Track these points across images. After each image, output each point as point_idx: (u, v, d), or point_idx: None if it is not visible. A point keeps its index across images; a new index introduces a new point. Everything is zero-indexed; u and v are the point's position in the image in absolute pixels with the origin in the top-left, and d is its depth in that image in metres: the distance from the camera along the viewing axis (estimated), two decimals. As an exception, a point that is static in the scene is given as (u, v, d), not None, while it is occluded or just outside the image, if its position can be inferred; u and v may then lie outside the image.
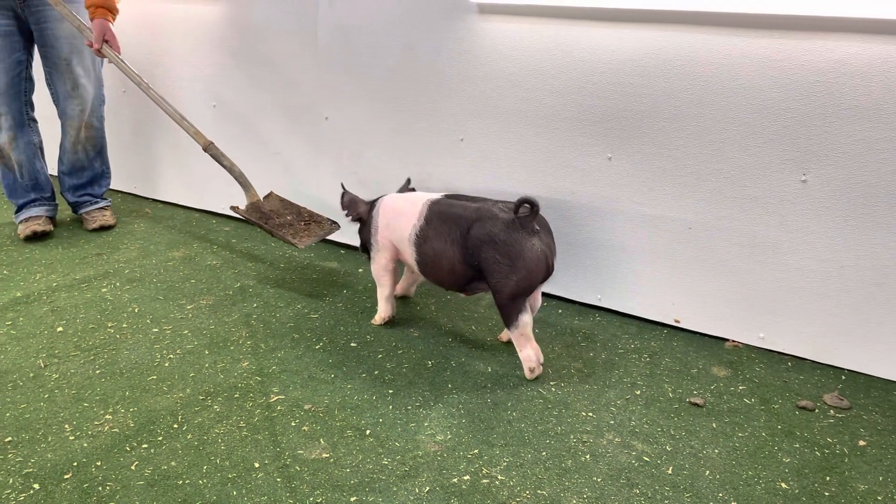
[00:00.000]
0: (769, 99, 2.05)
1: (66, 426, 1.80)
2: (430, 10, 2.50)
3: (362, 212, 2.35)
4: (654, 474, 1.69)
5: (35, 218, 3.08)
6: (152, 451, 1.72)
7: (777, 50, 2.01)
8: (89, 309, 2.42)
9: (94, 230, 3.17)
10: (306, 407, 1.91)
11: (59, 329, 2.28)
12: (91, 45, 2.77)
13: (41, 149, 3.15)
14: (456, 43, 2.49)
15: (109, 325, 2.32)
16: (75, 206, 3.27)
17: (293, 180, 3.05)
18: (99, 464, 1.67)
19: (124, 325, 2.31)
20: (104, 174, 3.31)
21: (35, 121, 3.11)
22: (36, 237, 3.03)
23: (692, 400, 1.98)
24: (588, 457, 1.74)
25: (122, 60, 2.80)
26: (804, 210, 2.08)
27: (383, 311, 2.36)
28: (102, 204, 3.28)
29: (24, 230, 3.01)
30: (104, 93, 3.18)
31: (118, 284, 2.61)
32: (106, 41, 2.79)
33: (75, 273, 2.70)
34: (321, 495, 1.59)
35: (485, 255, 1.99)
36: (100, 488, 1.59)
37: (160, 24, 3.24)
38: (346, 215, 2.39)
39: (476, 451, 1.75)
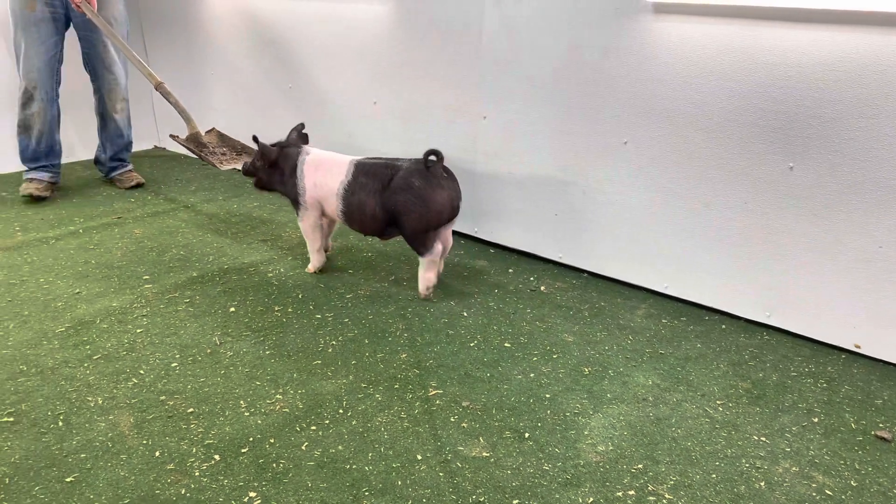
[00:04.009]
0: None
1: (242, 402, 1.91)
2: (601, 9, 2.44)
3: (273, 156, 2.64)
4: (840, 511, 1.56)
5: (38, 181, 3.51)
6: (320, 433, 1.78)
7: None
8: (258, 292, 2.55)
9: (131, 188, 3.71)
10: (464, 404, 1.92)
11: (232, 309, 2.42)
12: (73, 2, 3.22)
13: (59, 121, 3.54)
14: (626, 43, 2.42)
15: (276, 308, 2.43)
16: (109, 171, 3.78)
17: (447, 178, 3.08)
18: (272, 441, 1.75)
19: (290, 310, 2.42)
20: (131, 141, 3.80)
21: (58, 95, 3.49)
22: (34, 200, 3.46)
23: (878, 433, 1.82)
24: (763, 484, 1.64)
25: (96, 15, 3.23)
26: None
27: (316, 261, 2.72)
28: (130, 166, 3.83)
29: (24, 189, 3.46)
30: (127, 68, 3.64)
31: (282, 270, 2.74)
32: None
33: (244, 257, 2.86)
34: (483, 494, 1.58)
35: (402, 198, 2.40)
36: (274, 465, 1.67)
37: (331, 22, 3.36)
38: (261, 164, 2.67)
39: (640, 465, 1.69)
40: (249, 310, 2.42)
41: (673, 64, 2.34)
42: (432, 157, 2.41)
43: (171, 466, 1.65)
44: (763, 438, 1.80)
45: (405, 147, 3.19)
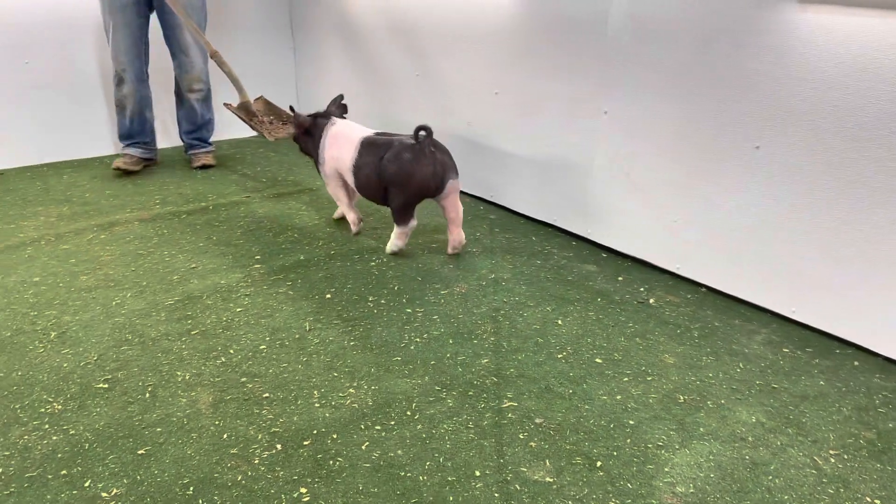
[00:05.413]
0: None
1: (315, 392, 1.91)
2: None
3: (307, 125, 2.93)
4: None
5: (129, 156, 3.75)
6: (384, 434, 1.75)
7: None
8: (356, 280, 2.56)
9: (198, 168, 3.86)
10: (537, 420, 1.81)
11: (328, 296, 2.45)
12: None
13: (151, 101, 3.78)
14: (764, 37, 2.16)
15: (370, 298, 2.43)
16: (187, 148, 3.96)
17: (565, 176, 2.94)
18: (335, 437, 1.74)
19: (382, 302, 2.41)
20: (211, 120, 3.95)
21: (148, 76, 3.72)
22: (123, 173, 3.72)
23: None
24: (867, 559, 1.40)
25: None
26: None
27: (351, 219, 2.95)
28: (209, 148, 3.97)
29: (117, 163, 3.70)
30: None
31: (384, 260, 2.74)
32: None
33: (351, 244, 2.89)
34: (537, 524, 1.48)
35: (391, 169, 2.59)
36: (331, 462, 1.65)
37: (457, 10, 3.31)
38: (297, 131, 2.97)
39: (721, 515, 1.51)
40: (344, 298, 2.43)
41: (817, 61, 2.06)
42: (422, 132, 2.56)
43: (234, 451, 1.69)
44: (877, 501, 1.55)
45: (526, 139, 3.08)
